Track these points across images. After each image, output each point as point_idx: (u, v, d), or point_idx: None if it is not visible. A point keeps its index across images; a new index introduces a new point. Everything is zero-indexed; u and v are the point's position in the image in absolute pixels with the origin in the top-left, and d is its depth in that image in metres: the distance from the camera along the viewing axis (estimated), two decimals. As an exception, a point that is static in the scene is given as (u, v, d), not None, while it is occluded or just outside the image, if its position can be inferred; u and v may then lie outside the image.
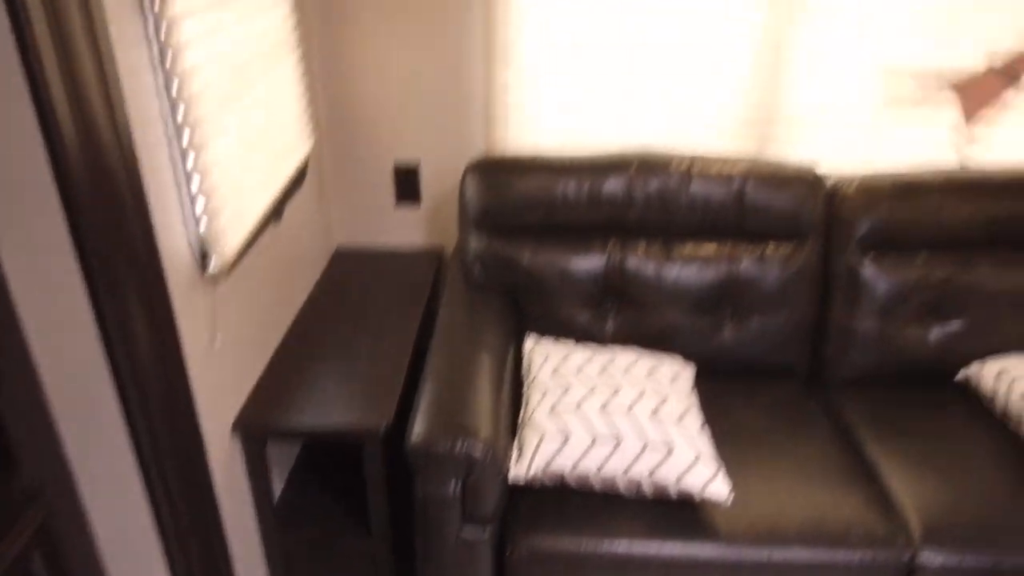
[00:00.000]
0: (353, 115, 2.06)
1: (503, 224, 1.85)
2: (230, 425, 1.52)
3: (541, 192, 1.82)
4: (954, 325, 1.82)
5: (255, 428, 1.55)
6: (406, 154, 2.11)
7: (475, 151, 2.09)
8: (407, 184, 2.13)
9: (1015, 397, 1.66)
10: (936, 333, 1.83)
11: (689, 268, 1.82)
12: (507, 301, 1.88)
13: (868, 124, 1.99)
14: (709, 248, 1.83)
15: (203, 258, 1.36)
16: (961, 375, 1.83)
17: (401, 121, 2.06)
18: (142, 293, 1.14)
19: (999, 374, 1.73)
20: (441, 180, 2.14)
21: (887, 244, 1.81)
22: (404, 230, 2.22)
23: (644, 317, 1.85)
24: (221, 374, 1.46)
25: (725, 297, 1.84)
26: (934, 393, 1.82)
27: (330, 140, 2.10)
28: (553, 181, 1.82)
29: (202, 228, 1.33)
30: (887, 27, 1.88)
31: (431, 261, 2.17)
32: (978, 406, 1.76)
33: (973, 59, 1.90)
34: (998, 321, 1.81)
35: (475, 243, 1.88)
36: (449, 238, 2.22)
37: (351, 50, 1.98)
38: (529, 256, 1.85)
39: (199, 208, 1.32)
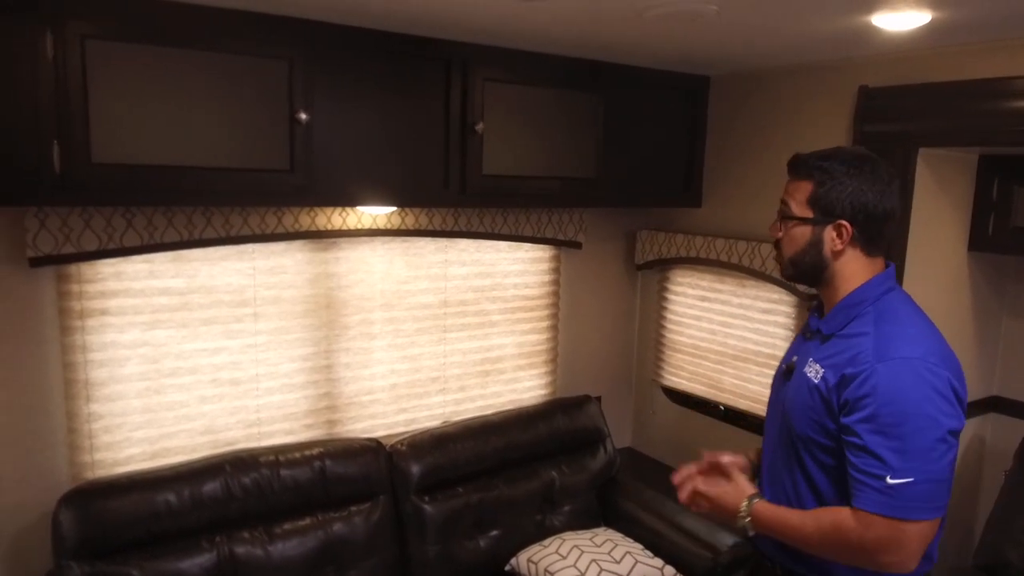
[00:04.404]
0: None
1: (107, 547, 1.94)
2: None
3: (143, 508, 1.99)
4: (494, 532, 2.47)
5: None
6: (-22, 498, 2.03)
7: (60, 481, 2.13)
8: (-18, 530, 2.04)
9: (542, 573, 2.33)
10: (484, 540, 2.45)
11: (291, 542, 2.15)
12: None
13: (405, 396, 2.67)
14: (305, 521, 2.19)
15: None
16: (508, 566, 2.46)
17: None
18: None
19: (529, 560, 2.39)
20: (22, 516, 2.10)
21: (436, 484, 2.41)
22: (-23, 579, 2.06)
23: (260, 596, 2.08)
24: None
25: (326, 559, 2.19)
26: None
27: None
28: (153, 495, 2.01)
29: None
30: (402, 332, 2.63)
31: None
32: (524, 587, 2.39)
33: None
34: (521, 521, 2.52)
35: (78, 573, 1.91)
36: (37, 574, 2.13)
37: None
38: (139, 572, 1.95)
39: None
